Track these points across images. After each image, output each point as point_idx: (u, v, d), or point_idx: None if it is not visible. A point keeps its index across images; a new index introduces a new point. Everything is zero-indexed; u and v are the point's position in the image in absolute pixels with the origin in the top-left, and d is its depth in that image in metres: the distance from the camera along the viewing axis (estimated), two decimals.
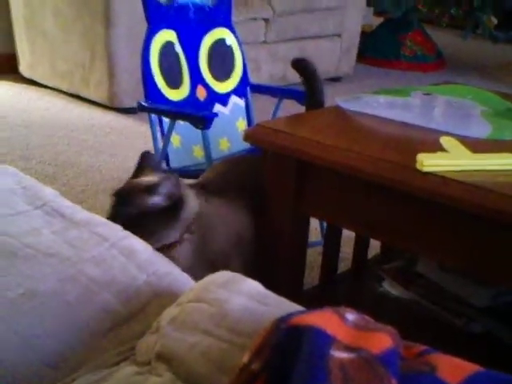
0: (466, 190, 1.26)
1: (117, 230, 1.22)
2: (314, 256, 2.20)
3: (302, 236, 1.65)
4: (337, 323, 0.74)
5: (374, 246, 2.15)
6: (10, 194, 1.31)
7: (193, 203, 1.58)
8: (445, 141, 1.45)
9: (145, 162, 1.65)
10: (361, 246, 2.08)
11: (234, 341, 0.82)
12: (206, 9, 2.37)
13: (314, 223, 2.19)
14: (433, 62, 5.49)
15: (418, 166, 1.31)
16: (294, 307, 0.91)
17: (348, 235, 2.00)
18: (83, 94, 3.83)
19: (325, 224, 2.15)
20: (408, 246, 1.50)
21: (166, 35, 2.22)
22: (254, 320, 0.85)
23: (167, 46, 2.22)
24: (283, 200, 1.57)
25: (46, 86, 4.04)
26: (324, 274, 1.99)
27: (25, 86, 4.11)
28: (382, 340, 0.73)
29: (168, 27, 2.23)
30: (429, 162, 1.30)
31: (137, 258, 1.13)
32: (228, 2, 2.45)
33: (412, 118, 1.64)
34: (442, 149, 1.41)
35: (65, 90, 3.94)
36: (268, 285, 0.98)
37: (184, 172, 2.17)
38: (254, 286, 0.96)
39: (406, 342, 0.77)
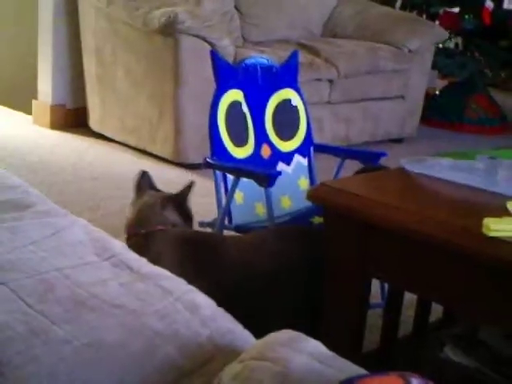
0: None
1: (181, 284, 1.24)
2: (374, 318, 2.17)
3: (363, 297, 1.64)
4: None
5: (437, 310, 2.11)
6: (80, 244, 1.35)
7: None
8: (511, 206, 1.44)
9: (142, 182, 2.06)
10: (423, 309, 2.05)
11: None
12: (273, 70, 2.42)
13: (374, 284, 2.17)
14: (497, 125, 5.44)
15: (485, 231, 1.30)
16: (357, 370, 0.91)
17: (409, 298, 1.98)
18: (150, 149, 3.92)
19: (386, 286, 2.13)
20: (470, 314, 1.48)
21: (234, 95, 2.28)
22: (317, 381, 0.85)
23: (234, 106, 2.28)
24: (345, 261, 1.57)
25: (114, 141, 4.15)
26: (384, 337, 1.96)
27: (94, 139, 4.23)
28: None
29: (236, 87, 2.28)
30: (495, 227, 1.29)
31: (200, 314, 1.14)
32: (295, 63, 2.50)
33: (477, 182, 1.63)
34: (508, 213, 1.40)
35: (132, 145, 4.04)
36: (326, 346, 0.98)
37: (247, 229, 2.20)
38: (316, 345, 0.96)
39: None
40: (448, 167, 1.75)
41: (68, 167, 3.71)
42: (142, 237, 1.91)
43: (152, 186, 2.11)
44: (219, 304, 1.21)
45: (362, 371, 0.89)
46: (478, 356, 1.79)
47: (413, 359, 1.93)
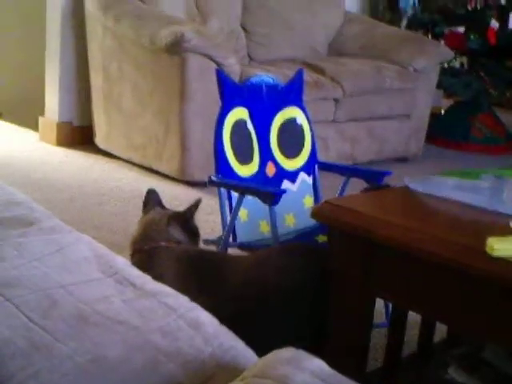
0: None
1: (184, 301, 1.24)
2: (378, 337, 2.16)
3: (367, 316, 1.63)
4: None
5: (441, 329, 2.10)
6: (84, 261, 1.36)
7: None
8: None
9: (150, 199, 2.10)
10: (427, 329, 2.04)
11: None
12: (278, 88, 2.43)
13: (379, 304, 2.16)
14: (503, 144, 5.44)
15: (488, 250, 1.30)
16: None
17: (414, 317, 1.97)
18: (155, 167, 3.93)
19: (390, 305, 2.13)
20: (474, 333, 1.47)
21: (239, 113, 2.29)
22: None
23: (239, 124, 2.29)
24: (349, 279, 1.57)
25: (119, 158, 4.16)
26: (388, 356, 1.96)
27: (99, 157, 4.24)
28: None
29: (241, 105, 2.29)
30: (499, 247, 1.29)
31: (203, 331, 1.14)
32: (300, 81, 2.51)
33: (482, 201, 1.63)
34: None
35: (138, 163, 4.05)
36: (330, 364, 0.98)
37: (251, 247, 2.20)
38: (318, 364, 0.96)
39: None
40: (453, 186, 1.75)
41: (74, 184, 3.72)
42: (145, 253, 1.92)
43: (159, 204, 2.12)
44: (222, 322, 1.21)
45: None
46: (482, 376, 1.79)
47: (417, 379, 1.92)
